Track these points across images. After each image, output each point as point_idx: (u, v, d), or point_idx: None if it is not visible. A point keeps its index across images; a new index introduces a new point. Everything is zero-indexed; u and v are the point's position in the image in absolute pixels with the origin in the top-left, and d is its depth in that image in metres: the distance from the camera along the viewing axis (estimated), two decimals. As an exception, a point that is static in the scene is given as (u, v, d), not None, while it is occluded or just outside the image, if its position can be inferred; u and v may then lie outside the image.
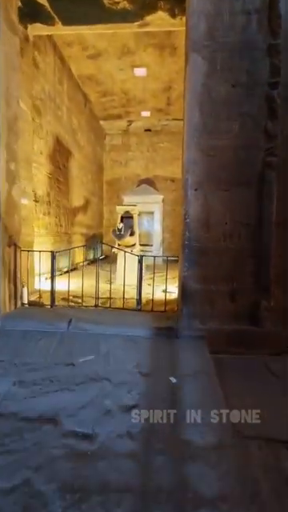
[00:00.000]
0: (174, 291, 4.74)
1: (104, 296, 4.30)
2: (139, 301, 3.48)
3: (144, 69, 7.24)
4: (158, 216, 9.04)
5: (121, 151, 10.92)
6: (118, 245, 5.30)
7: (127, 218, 5.61)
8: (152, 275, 6.33)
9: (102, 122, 10.26)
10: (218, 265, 2.73)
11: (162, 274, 5.97)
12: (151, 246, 9.14)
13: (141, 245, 9.72)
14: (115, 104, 9.03)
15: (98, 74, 7.51)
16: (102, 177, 10.86)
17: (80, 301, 4.37)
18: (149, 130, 10.73)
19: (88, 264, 8.59)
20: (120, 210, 5.41)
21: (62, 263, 7.03)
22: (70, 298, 4.57)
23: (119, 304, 3.79)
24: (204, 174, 2.68)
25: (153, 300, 3.53)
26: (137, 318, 3.05)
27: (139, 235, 10.36)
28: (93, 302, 4.09)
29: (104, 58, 6.84)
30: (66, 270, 6.90)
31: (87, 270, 7.11)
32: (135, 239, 5.38)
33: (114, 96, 8.52)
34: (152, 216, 9.33)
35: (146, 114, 9.60)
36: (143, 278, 5.82)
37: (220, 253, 2.71)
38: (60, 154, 6.73)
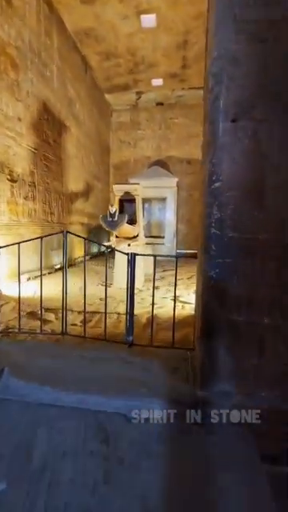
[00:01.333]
0: (190, 301, 3.35)
1: (89, 309, 3.00)
2: (130, 328, 2.12)
3: (153, 16, 5.69)
4: (171, 203, 7.61)
5: (129, 130, 9.45)
6: (116, 237, 3.95)
7: (128, 201, 4.23)
8: (164, 274, 4.93)
9: (107, 96, 8.81)
10: (275, 276, 1.32)
11: (174, 272, 4.75)
12: (162, 237, 7.74)
13: (150, 236, 8.32)
14: (121, 70, 7.54)
15: (97, 27, 6.04)
16: (108, 159, 9.46)
17: (55, 316, 3.09)
18: (161, 104, 9.17)
19: (90, 258, 7.34)
20: (118, 190, 4.03)
21: (57, 258, 5.80)
22: (42, 311, 3.29)
23: (102, 328, 2.44)
24: (253, 85, 1.24)
25: (152, 326, 2.15)
26: (120, 367, 1.69)
27: (148, 225, 8.98)
28: (73, 319, 2.80)
29: (102, 0, 5.36)
30: (58, 266, 5.66)
31: (87, 266, 5.74)
32: (137, 229, 4.00)
33: (120, 58, 7.02)
34: (164, 203, 7.89)
35: (157, 82, 8.04)
36: (149, 280, 4.44)
37: (282, 252, 1.30)
38: (49, 126, 5.40)
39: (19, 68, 4.41)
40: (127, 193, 4.08)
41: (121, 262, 4.02)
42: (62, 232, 2.31)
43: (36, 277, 4.73)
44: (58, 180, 5.77)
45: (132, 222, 4.24)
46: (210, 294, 1.39)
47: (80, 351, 1.90)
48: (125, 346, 2.04)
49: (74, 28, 6.06)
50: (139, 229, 4.04)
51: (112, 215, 3.14)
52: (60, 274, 5.38)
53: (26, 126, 4.64)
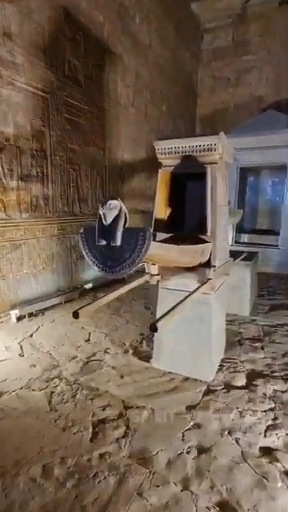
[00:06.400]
0: None
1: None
2: None
3: None
4: (295, 174, 4.91)
5: (230, 57, 6.84)
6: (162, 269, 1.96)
7: (194, 178, 2.16)
8: (271, 319, 2.74)
9: (194, 6, 6.42)
10: None
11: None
12: (276, 234, 5.16)
13: (253, 231, 5.61)
14: None
15: None
16: (195, 108, 7.17)
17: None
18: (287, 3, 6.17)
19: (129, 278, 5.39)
20: (165, 152, 2.00)
21: (92, 272, 4.13)
22: None
23: None
24: None
25: None
26: None
27: (252, 213, 6.18)
28: None
29: None
30: (91, 285, 4.05)
31: (125, 299, 3.57)
32: (208, 248, 1.90)
33: None
34: (283, 174, 5.20)
35: None
36: (238, 343, 2.28)
37: None
38: (78, 51, 3.64)
39: None
40: (188, 158, 1.98)
41: (168, 305, 2.05)
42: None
43: (41, 310, 3.24)
44: (95, 144, 4.06)
45: (200, 226, 2.14)
46: None
47: None
48: None
49: None
50: (213, 244, 1.92)
51: (106, 230, 1.18)
52: (89, 299, 3.73)
53: (25, 50, 3.01)
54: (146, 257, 1.28)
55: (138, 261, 1.21)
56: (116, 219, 1.21)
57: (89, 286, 3.95)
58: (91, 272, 4.14)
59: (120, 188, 4.69)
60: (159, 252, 1.41)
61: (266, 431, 1.61)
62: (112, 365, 2.24)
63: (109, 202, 1.21)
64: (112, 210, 1.22)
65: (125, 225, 1.24)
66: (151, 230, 1.20)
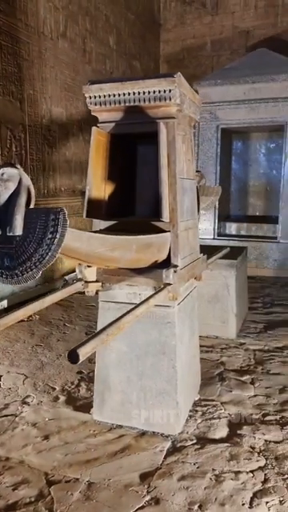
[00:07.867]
0: None
1: None
2: None
3: None
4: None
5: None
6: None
7: (143, 142, 2.26)
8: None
9: None
10: None
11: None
12: (275, 221, 5.34)
13: (246, 219, 5.78)
14: None
15: None
16: (157, 44, 7.45)
17: None
18: None
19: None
20: (98, 102, 2.01)
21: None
22: None
23: None
24: None
25: None
26: None
27: (240, 193, 6.22)
28: None
29: None
30: (5, 304, 3.97)
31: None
32: (165, 240, 1.95)
33: None
34: (281, 138, 5.41)
35: None
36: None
37: None
38: None
39: None
40: (134, 111, 2.00)
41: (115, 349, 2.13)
42: None
43: None
44: (7, 93, 4.11)
45: (157, 209, 2.18)
46: None
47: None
48: None
49: None
50: (172, 234, 1.95)
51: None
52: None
53: None
54: (65, 252, 1.28)
55: (49, 258, 1.19)
56: (14, 197, 1.18)
57: (2, 304, 3.91)
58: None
59: (48, 158, 4.74)
60: (84, 245, 1.39)
61: (252, 500, 1.65)
62: (32, 421, 2.25)
63: (1, 171, 1.18)
64: (7, 182, 1.19)
65: (28, 205, 1.21)
66: (66, 211, 1.17)
